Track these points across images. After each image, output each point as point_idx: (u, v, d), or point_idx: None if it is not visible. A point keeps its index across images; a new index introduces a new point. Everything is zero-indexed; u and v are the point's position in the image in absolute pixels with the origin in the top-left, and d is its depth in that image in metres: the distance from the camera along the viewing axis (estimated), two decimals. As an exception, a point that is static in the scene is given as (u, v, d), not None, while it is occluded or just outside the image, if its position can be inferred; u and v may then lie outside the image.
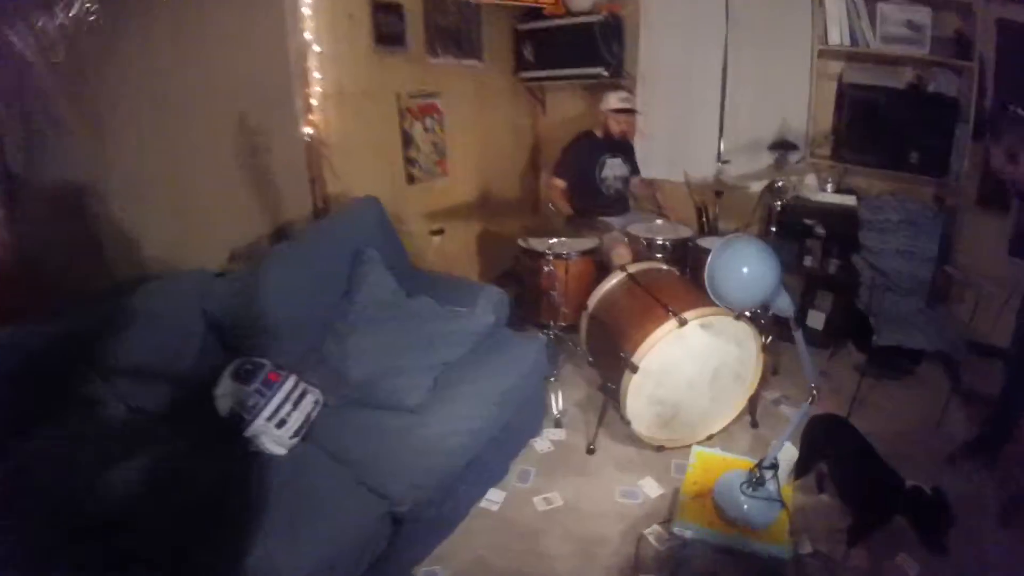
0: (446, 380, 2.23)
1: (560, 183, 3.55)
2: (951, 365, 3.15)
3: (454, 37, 3.69)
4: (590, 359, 2.95)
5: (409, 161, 3.51)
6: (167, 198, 2.26)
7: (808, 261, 3.69)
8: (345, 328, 2.28)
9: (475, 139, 3.99)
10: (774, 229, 3.36)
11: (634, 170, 3.78)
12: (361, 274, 2.39)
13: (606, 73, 3.83)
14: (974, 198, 3.38)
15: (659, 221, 3.60)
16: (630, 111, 3.54)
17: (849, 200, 3.51)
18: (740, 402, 2.80)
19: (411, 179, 3.54)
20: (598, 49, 3.74)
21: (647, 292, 2.65)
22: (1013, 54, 3.27)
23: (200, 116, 2.33)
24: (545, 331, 3.02)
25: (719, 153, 3.98)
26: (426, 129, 3.58)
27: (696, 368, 2.56)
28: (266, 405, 1.87)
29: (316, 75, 2.86)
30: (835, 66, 3.56)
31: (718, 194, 3.71)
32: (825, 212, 3.56)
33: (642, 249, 3.27)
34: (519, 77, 4.21)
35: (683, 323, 2.36)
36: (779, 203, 3.45)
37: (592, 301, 2.86)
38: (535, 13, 3.98)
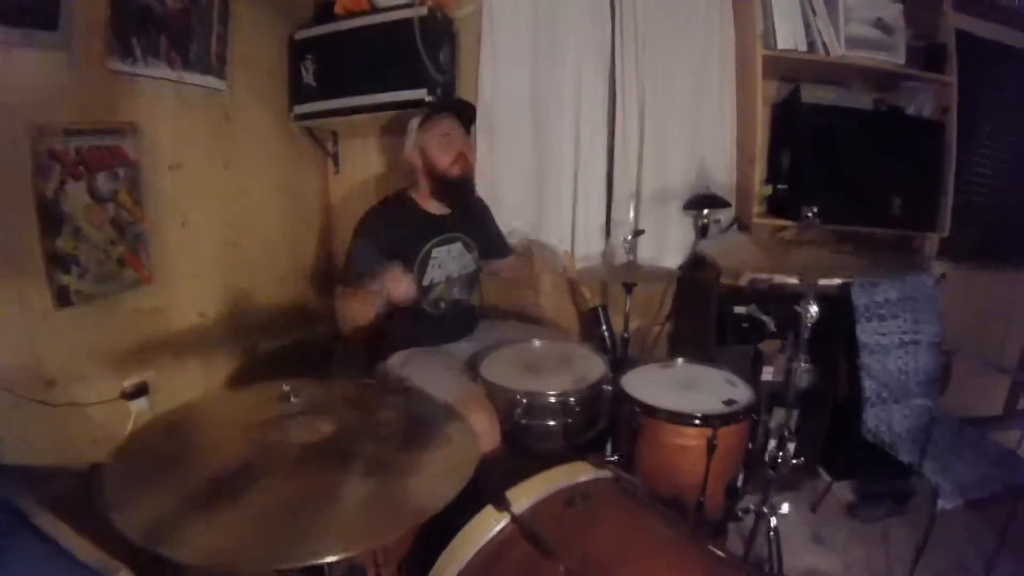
0: None
1: (353, 293, 2.01)
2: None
3: (174, 35, 2.09)
4: None
5: (56, 261, 1.78)
6: None
7: (769, 373, 2.50)
8: None
9: (216, 215, 2.34)
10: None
11: (491, 251, 2.39)
12: None
13: (430, 98, 2.40)
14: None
15: (536, 343, 2.20)
16: (458, 115, 2.17)
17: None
18: None
19: (63, 298, 1.80)
20: (419, 59, 2.35)
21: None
22: (973, 75, 2.50)
23: None
24: None
25: (608, 220, 2.77)
26: (97, 196, 1.89)
27: None
28: None
29: None
30: (767, 88, 2.54)
31: (628, 288, 2.40)
32: (786, 298, 2.44)
33: (516, 412, 1.82)
34: (295, 114, 2.66)
35: None
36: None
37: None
38: (324, 13, 2.53)
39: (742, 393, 1.86)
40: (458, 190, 2.12)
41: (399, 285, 1.86)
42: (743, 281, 2.51)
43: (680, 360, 2.10)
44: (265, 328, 2.54)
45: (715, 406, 1.77)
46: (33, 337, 1.71)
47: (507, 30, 2.60)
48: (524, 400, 1.81)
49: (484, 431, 1.70)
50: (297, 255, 2.81)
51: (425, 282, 2.10)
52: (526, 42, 2.61)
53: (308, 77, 2.56)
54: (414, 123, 2.12)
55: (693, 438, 1.71)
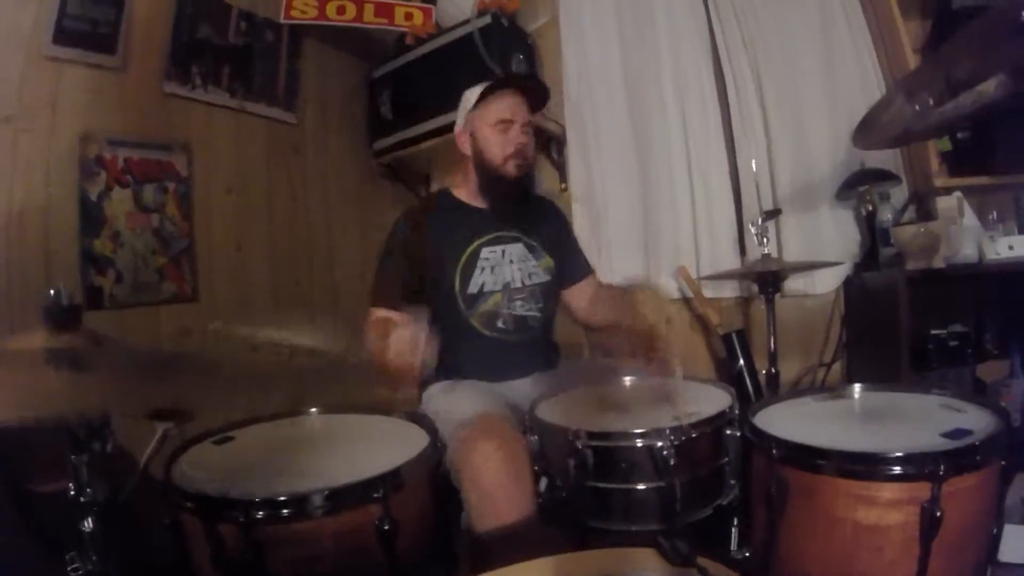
0: None
1: (388, 316, 1.55)
2: None
3: (238, 65, 2.32)
4: None
5: (92, 260, 1.88)
6: None
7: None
8: None
9: (277, 246, 2.39)
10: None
11: (566, 269, 1.85)
12: None
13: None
14: None
15: (629, 380, 1.59)
16: (521, 91, 1.70)
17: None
18: None
19: (95, 299, 1.87)
20: (486, 70, 2.27)
21: None
22: None
23: None
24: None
25: (739, 221, 2.32)
26: (142, 205, 2.00)
27: None
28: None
29: None
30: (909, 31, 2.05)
31: (768, 295, 1.78)
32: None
33: (573, 465, 1.19)
34: (374, 150, 2.73)
35: None
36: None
37: None
38: (398, 45, 2.64)
39: (977, 420, 1.08)
40: (511, 194, 1.68)
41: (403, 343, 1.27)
42: (939, 261, 1.83)
43: (857, 387, 1.33)
44: (336, 384, 2.40)
45: (931, 440, 1.00)
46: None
47: (589, 25, 2.49)
48: (585, 445, 1.17)
49: (486, 471, 1.21)
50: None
51: (472, 289, 1.64)
52: (612, 32, 2.47)
53: (385, 111, 2.63)
54: (470, 95, 1.70)
55: (891, 505, 0.93)
